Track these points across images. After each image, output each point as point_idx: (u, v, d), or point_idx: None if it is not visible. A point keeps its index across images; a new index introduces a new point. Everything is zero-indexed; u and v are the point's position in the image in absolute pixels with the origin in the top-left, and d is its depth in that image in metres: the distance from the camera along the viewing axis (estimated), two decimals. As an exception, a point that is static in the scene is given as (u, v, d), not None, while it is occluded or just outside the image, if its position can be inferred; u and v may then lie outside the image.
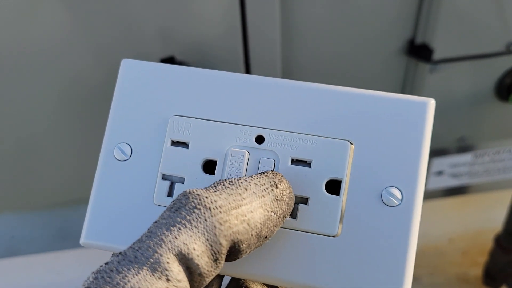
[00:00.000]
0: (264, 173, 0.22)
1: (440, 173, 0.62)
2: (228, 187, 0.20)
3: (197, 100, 0.25)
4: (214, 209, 0.19)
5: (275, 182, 0.21)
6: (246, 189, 0.20)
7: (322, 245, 0.23)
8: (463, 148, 0.59)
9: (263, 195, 0.20)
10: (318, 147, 0.23)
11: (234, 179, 0.21)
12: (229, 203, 0.19)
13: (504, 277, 0.72)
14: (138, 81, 0.26)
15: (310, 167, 0.23)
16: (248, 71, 0.45)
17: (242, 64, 0.44)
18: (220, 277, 0.25)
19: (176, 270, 0.18)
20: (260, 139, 0.24)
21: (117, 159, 0.25)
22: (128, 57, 0.42)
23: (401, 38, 0.47)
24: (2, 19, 0.39)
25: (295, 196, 0.23)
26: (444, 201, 0.74)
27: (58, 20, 0.39)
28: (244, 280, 0.24)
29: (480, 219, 0.81)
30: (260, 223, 0.20)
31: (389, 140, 0.23)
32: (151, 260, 0.18)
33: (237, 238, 0.19)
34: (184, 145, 0.24)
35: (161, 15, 0.40)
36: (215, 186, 0.20)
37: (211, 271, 0.19)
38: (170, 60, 0.41)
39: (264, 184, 0.21)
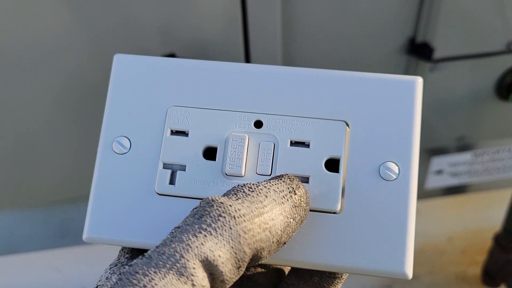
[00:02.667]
0: (281, 178, 0.22)
1: (439, 172, 0.62)
2: (249, 194, 0.20)
3: (193, 90, 0.25)
4: (238, 217, 0.19)
5: (293, 188, 0.22)
6: (266, 196, 0.21)
7: (324, 222, 0.23)
8: (463, 147, 0.59)
9: (282, 202, 0.21)
10: (316, 128, 0.24)
11: (254, 185, 0.21)
12: (252, 211, 0.20)
13: (503, 276, 0.72)
14: (132, 75, 0.26)
15: (309, 147, 0.24)
16: (248, 69, 0.45)
17: (243, 59, 0.44)
18: None
19: (201, 276, 0.18)
20: (258, 124, 0.25)
21: (116, 153, 0.25)
22: (128, 53, 0.42)
23: (401, 37, 0.47)
24: (0, 15, 0.38)
25: (297, 177, 0.24)
26: (444, 200, 0.74)
27: (58, 16, 0.39)
28: None
29: (479, 218, 0.81)
30: (281, 230, 0.20)
31: (382, 118, 0.24)
32: (178, 264, 0.18)
33: (260, 246, 0.19)
34: (184, 134, 0.25)
35: (161, 11, 0.40)
36: (235, 194, 0.20)
37: (232, 277, 0.19)
38: (170, 56, 0.41)
39: (283, 190, 0.21)
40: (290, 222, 0.21)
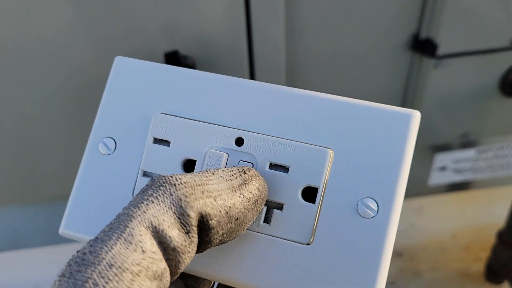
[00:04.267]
0: (233, 166, 0.22)
1: (443, 168, 0.62)
2: (195, 174, 0.20)
3: (182, 99, 0.25)
4: (179, 184, 0.19)
5: (243, 169, 0.21)
6: (213, 173, 0.21)
7: (294, 252, 0.23)
8: (467, 143, 0.59)
9: (230, 179, 0.21)
10: (297, 152, 0.23)
11: (206, 170, 0.21)
12: (194, 181, 0.20)
13: (507, 273, 0.72)
14: (129, 78, 0.26)
15: (287, 172, 0.23)
16: (251, 65, 0.45)
17: (246, 57, 0.44)
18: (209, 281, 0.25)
19: (150, 243, 0.18)
20: (239, 141, 0.24)
21: (101, 153, 0.25)
22: (131, 51, 0.42)
23: (405, 33, 0.47)
24: (3, 12, 0.38)
25: (270, 202, 0.23)
26: (447, 196, 0.74)
27: (61, 14, 0.39)
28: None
29: (483, 214, 0.81)
30: (228, 202, 0.20)
31: (370, 150, 0.23)
32: (124, 234, 0.18)
33: (205, 211, 0.19)
34: (166, 143, 0.25)
35: (164, 8, 0.40)
36: (183, 173, 0.20)
37: (185, 245, 0.19)
38: (174, 54, 0.41)
39: (232, 170, 0.21)
40: (240, 197, 0.21)
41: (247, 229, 0.23)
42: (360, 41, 0.47)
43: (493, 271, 0.73)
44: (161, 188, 0.19)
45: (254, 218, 0.22)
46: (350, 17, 0.45)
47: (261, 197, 0.22)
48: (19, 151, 0.48)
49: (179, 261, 0.19)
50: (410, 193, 0.65)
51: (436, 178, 0.63)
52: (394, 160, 0.22)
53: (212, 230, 0.20)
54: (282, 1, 0.41)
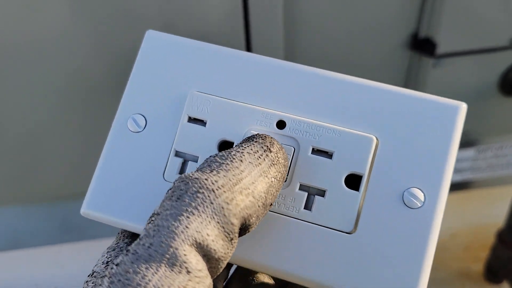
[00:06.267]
0: (253, 139, 0.21)
1: (442, 168, 0.61)
2: (222, 163, 0.19)
3: (220, 78, 0.24)
4: (217, 189, 0.18)
5: (267, 146, 0.20)
6: (241, 160, 0.19)
7: (335, 241, 0.22)
8: (466, 143, 0.59)
9: (259, 163, 0.20)
10: (342, 139, 0.22)
11: (226, 152, 0.20)
12: (230, 180, 0.19)
13: (506, 273, 0.72)
14: (161, 54, 0.25)
15: (331, 158, 0.22)
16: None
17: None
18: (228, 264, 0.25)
19: (195, 261, 0.17)
20: (281, 124, 0.23)
21: (130, 130, 0.24)
22: (132, 51, 0.42)
23: (404, 32, 0.47)
24: (3, 11, 0.39)
25: (312, 188, 0.22)
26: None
27: (60, 14, 0.39)
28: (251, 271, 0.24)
29: (482, 214, 0.81)
30: (264, 192, 0.19)
31: (416, 140, 0.22)
32: (167, 255, 0.17)
33: (247, 213, 0.19)
34: (201, 122, 0.24)
35: (163, 4, 0.40)
36: (209, 165, 0.19)
37: (228, 252, 0.18)
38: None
39: (258, 151, 0.20)
40: (272, 181, 0.20)
41: (288, 217, 0.22)
42: (359, 41, 0.47)
43: (492, 271, 0.73)
44: (198, 195, 0.18)
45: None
46: (349, 16, 0.45)
47: (286, 170, 0.21)
48: (19, 150, 0.48)
49: (221, 266, 0.19)
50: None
51: (436, 177, 0.63)
52: (441, 150, 0.22)
53: (251, 226, 0.19)
54: (281, 1, 0.42)
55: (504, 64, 0.50)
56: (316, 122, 0.23)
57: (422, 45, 0.47)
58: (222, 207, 0.18)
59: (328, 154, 0.23)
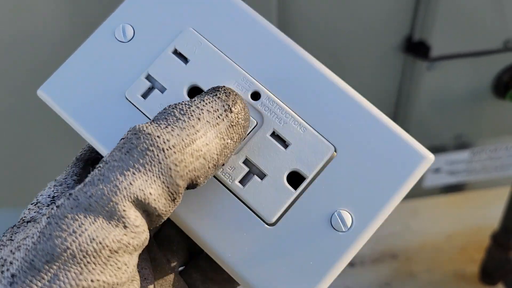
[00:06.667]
0: (217, 93, 0.20)
1: (437, 170, 0.62)
2: (180, 118, 0.19)
3: (221, 28, 0.24)
4: (167, 149, 0.18)
5: (229, 105, 0.20)
6: (199, 119, 0.19)
7: (253, 226, 0.22)
8: (461, 145, 0.59)
9: (217, 123, 0.19)
10: (304, 136, 0.22)
11: (186, 106, 0.19)
12: (183, 140, 0.18)
13: (501, 274, 0.72)
14: None
15: (285, 148, 0.22)
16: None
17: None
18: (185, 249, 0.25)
19: (133, 217, 0.17)
20: (256, 96, 0.23)
21: (115, 37, 0.24)
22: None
23: (398, 36, 0.47)
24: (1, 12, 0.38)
25: (256, 167, 0.22)
26: (442, 198, 0.74)
27: (58, 16, 0.39)
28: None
29: (477, 216, 0.81)
30: (217, 154, 0.19)
31: (371, 169, 0.22)
32: (107, 208, 0.17)
33: (194, 175, 0.19)
34: (184, 60, 0.23)
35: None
36: (166, 119, 0.19)
37: (169, 210, 0.19)
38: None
39: (218, 109, 0.20)
40: (228, 143, 0.20)
41: (220, 182, 0.22)
42: (354, 44, 0.47)
43: (488, 273, 0.73)
44: (148, 153, 0.18)
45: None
46: (343, 20, 0.45)
47: (246, 131, 0.21)
48: (16, 153, 0.47)
49: (161, 221, 0.19)
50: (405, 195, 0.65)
51: (431, 180, 0.63)
52: (389, 189, 0.22)
53: (199, 185, 0.19)
54: (275, 3, 0.42)
55: (498, 67, 0.50)
56: (288, 109, 0.23)
57: (416, 48, 0.47)
58: (170, 168, 0.18)
59: (284, 143, 0.22)
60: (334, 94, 0.23)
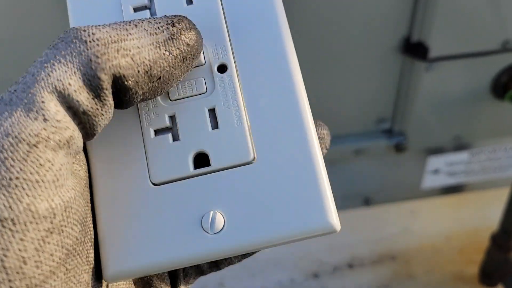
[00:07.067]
0: (167, 15, 0.20)
1: (436, 171, 0.62)
2: (116, 23, 0.18)
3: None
4: (90, 42, 0.17)
5: (172, 21, 0.19)
6: (136, 25, 0.19)
7: (139, 177, 0.21)
8: (460, 146, 0.59)
9: (155, 33, 0.19)
10: (235, 129, 0.21)
11: (131, 20, 0.19)
12: (110, 37, 0.18)
13: (501, 275, 0.72)
14: None
15: (212, 129, 0.21)
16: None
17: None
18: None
19: (54, 110, 0.17)
20: (222, 69, 0.22)
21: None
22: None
23: (396, 36, 0.47)
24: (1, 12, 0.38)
25: (176, 127, 0.21)
26: (441, 199, 0.74)
27: (58, 17, 0.39)
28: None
29: (476, 217, 0.81)
30: (149, 61, 0.18)
31: (274, 198, 0.21)
32: (25, 100, 0.17)
33: (119, 73, 0.18)
34: None
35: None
36: (105, 23, 0.18)
37: (96, 108, 0.18)
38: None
39: (159, 22, 0.19)
40: (164, 54, 0.19)
41: (138, 119, 0.21)
42: (352, 44, 0.47)
43: (487, 274, 0.73)
44: (71, 45, 0.17)
45: (184, 75, 0.20)
46: (342, 21, 0.45)
47: (192, 53, 0.20)
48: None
49: (94, 123, 0.18)
50: (403, 196, 0.65)
51: (430, 181, 0.63)
52: (276, 227, 0.20)
53: (130, 91, 0.18)
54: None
55: (496, 68, 0.50)
56: (240, 98, 0.22)
57: (414, 49, 0.47)
58: (90, 60, 0.17)
59: (215, 124, 0.22)
60: (290, 116, 0.21)
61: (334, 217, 0.20)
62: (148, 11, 0.23)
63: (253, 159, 0.21)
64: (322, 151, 0.22)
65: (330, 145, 0.23)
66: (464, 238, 0.80)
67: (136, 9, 0.23)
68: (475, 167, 0.62)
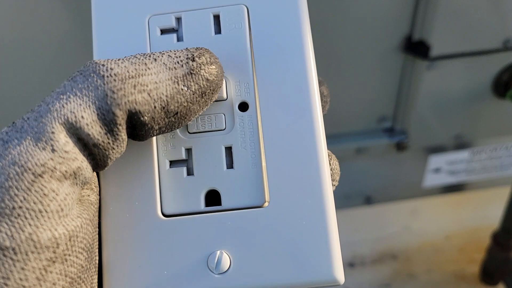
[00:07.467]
0: (188, 48, 0.19)
1: (437, 170, 0.62)
2: (136, 57, 0.18)
3: (271, 28, 0.22)
4: (107, 77, 0.17)
5: (193, 55, 0.19)
6: (155, 60, 0.18)
7: (150, 206, 0.21)
8: (460, 145, 0.59)
9: (174, 68, 0.18)
10: (250, 171, 0.21)
11: (150, 53, 0.19)
12: (128, 72, 0.18)
13: (502, 274, 0.72)
14: None
15: (227, 168, 0.21)
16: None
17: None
18: None
19: (63, 141, 0.17)
20: (243, 107, 0.22)
21: None
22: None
23: (398, 35, 0.47)
24: (3, 16, 0.38)
25: (191, 161, 0.21)
26: (441, 198, 0.74)
27: (58, 18, 0.39)
28: None
29: (477, 216, 0.81)
30: (166, 96, 0.18)
31: (282, 245, 0.21)
32: (36, 129, 0.17)
33: (135, 109, 0.18)
34: (218, 29, 0.22)
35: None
36: (125, 57, 0.18)
37: (108, 142, 0.18)
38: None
39: (179, 56, 0.19)
40: (183, 90, 0.18)
41: (156, 148, 0.21)
42: (354, 43, 0.47)
43: (488, 273, 0.73)
44: (88, 79, 0.17)
45: (203, 110, 0.20)
46: (343, 20, 0.45)
47: (212, 88, 0.19)
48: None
49: (104, 156, 0.18)
50: (404, 195, 0.65)
51: (431, 180, 0.63)
52: (280, 274, 0.21)
53: (146, 126, 0.18)
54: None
55: (498, 66, 0.50)
56: (260, 141, 0.21)
57: (416, 47, 0.47)
58: (106, 95, 0.17)
59: (230, 163, 0.22)
60: (307, 164, 0.21)
61: (339, 271, 0.20)
62: (175, 34, 0.22)
63: (265, 203, 0.21)
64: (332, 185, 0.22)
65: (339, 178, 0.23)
66: (465, 237, 0.80)
67: (163, 31, 0.22)
68: (476, 165, 0.62)
